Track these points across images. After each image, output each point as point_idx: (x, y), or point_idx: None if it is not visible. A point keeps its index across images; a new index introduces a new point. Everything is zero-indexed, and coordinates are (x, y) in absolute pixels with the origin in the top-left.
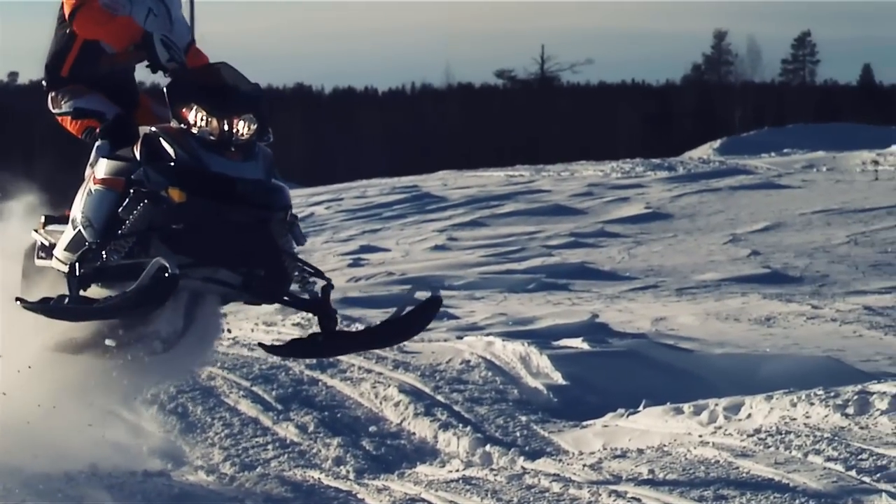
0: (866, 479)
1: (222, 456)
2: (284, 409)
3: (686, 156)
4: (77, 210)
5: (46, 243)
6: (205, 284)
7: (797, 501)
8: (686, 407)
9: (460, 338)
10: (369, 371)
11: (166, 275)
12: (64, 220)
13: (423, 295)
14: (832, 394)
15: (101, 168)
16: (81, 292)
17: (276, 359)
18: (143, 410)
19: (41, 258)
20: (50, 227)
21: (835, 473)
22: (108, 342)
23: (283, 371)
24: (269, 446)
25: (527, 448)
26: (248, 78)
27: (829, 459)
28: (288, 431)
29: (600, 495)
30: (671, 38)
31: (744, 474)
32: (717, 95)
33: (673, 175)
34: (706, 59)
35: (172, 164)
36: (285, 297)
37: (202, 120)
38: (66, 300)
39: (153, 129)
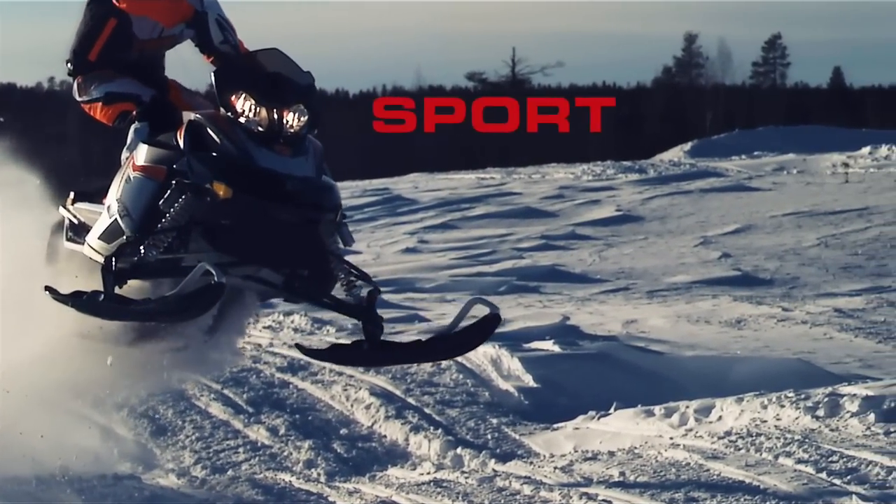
0: (837, 481)
1: (193, 459)
2: (255, 412)
3: (657, 158)
4: (113, 197)
5: (76, 221)
6: (244, 282)
7: (767, 503)
8: (657, 409)
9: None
10: (340, 374)
11: (212, 282)
12: (94, 196)
13: (478, 307)
14: (803, 396)
15: (141, 154)
16: (117, 289)
17: (246, 361)
18: (114, 413)
19: (71, 240)
20: (79, 205)
21: (805, 475)
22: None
23: (253, 374)
24: (240, 449)
25: (498, 450)
26: (300, 65)
27: (799, 461)
28: (259, 434)
29: (571, 497)
30: (642, 40)
31: (714, 476)
32: (688, 98)
33: (644, 177)
34: (677, 62)
35: (218, 155)
36: (326, 300)
37: (250, 109)
38: (102, 297)
39: (198, 115)
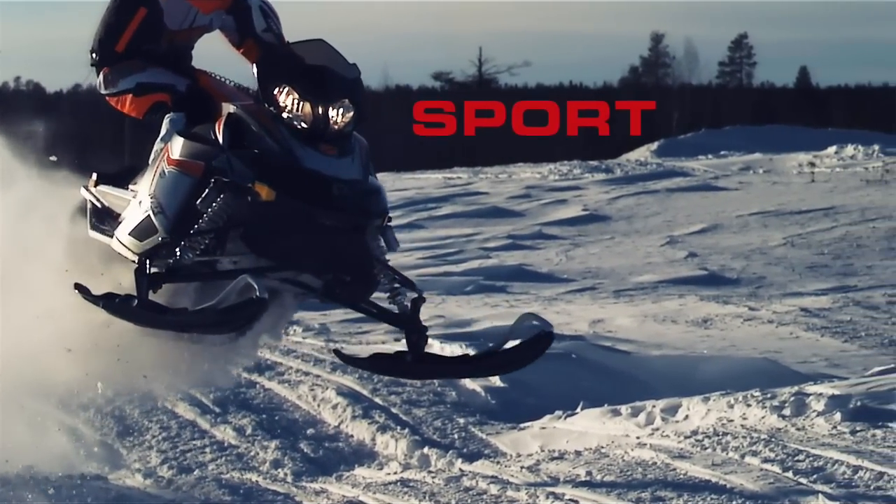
0: (803, 481)
1: (159, 459)
2: (222, 412)
3: (623, 158)
4: (146, 192)
5: (99, 205)
6: (282, 284)
7: (734, 503)
8: (623, 409)
9: (398, 340)
10: (307, 374)
11: (254, 297)
12: (118, 179)
13: (530, 324)
14: (769, 395)
15: (177, 147)
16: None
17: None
18: (80, 413)
19: (96, 228)
20: (103, 188)
21: (772, 474)
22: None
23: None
24: (207, 449)
25: (465, 450)
26: (345, 57)
27: (765, 461)
28: (226, 434)
29: (538, 497)
30: (608, 40)
31: (681, 476)
32: (655, 97)
33: (610, 177)
34: (643, 62)
35: (260, 154)
36: (366, 306)
37: (293, 104)
38: (135, 303)
39: (238, 108)
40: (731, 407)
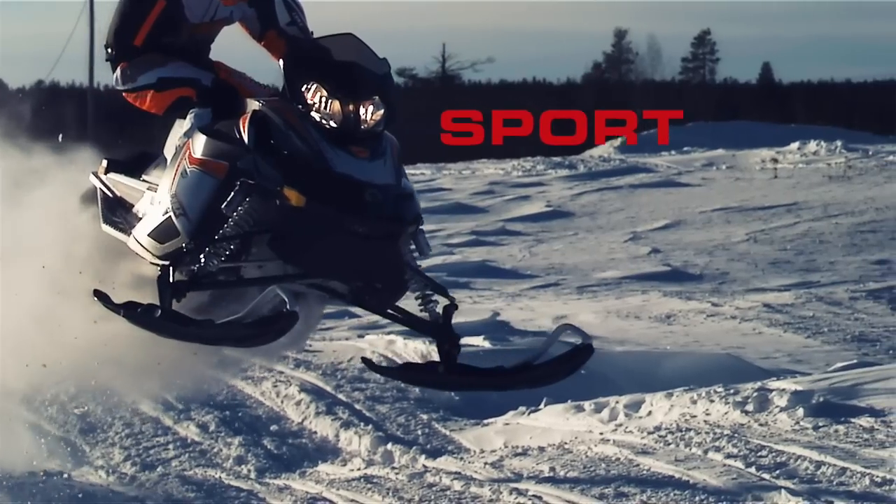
0: (766, 476)
1: (123, 456)
2: (185, 409)
3: (586, 154)
4: (166, 191)
5: (110, 195)
6: (308, 289)
7: (697, 498)
8: (587, 405)
9: (361, 336)
10: (270, 370)
11: (284, 310)
12: (130, 167)
13: (566, 333)
14: (732, 391)
15: (199, 145)
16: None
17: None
18: (43, 410)
19: (110, 223)
20: (114, 177)
21: (734, 470)
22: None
23: None
24: (170, 446)
25: (428, 446)
26: (375, 52)
27: (728, 456)
28: (189, 431)
29: (501, 493)
30: (571, 36)
31: (644, 472)
32: (618, 94)
33: (574, 173)
34: (607, 58)
35: (290, 157)
36: (394, 312)
37: (322, 102)
38: (158, 313)
39: (263, 105)
40: (695, 403)
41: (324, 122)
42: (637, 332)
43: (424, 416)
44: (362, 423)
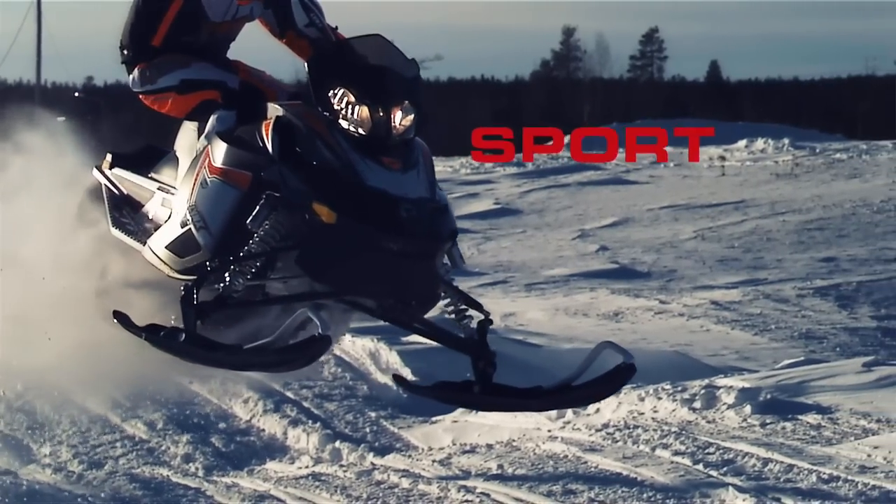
0: (713, 473)
1: (70, 454)
2: (133, 407)
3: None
4: (185, 201)
5: (116, 192)
6: (335, 303)
7: (645, 495)
8: None
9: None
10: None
11: (316, 335)
12: (135, 162)
13: (605, 352)
14: (679, 388)
15: (220, 153)
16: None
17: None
18: None
19: (119, 225)
20: (119, 172)
21: (682, 467)
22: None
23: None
24: (118, 444)
25: (376, 444)
26: (403, 53)
27: (676, 453)
28: (136, 429)
29: (449, 490)
30: (520, 34)
31: (592, 469)
32: (566, 91)
33: (522, 171)
34: (555, 56)
35: (319, 170)
36: (424, 328)
37: (350, 108)
38: (183, 337)
39: (287, 112)
40: (642, 400)
41: (352, 129)
42: (585, 330)
43: (373, 414)
44: (310, 421)
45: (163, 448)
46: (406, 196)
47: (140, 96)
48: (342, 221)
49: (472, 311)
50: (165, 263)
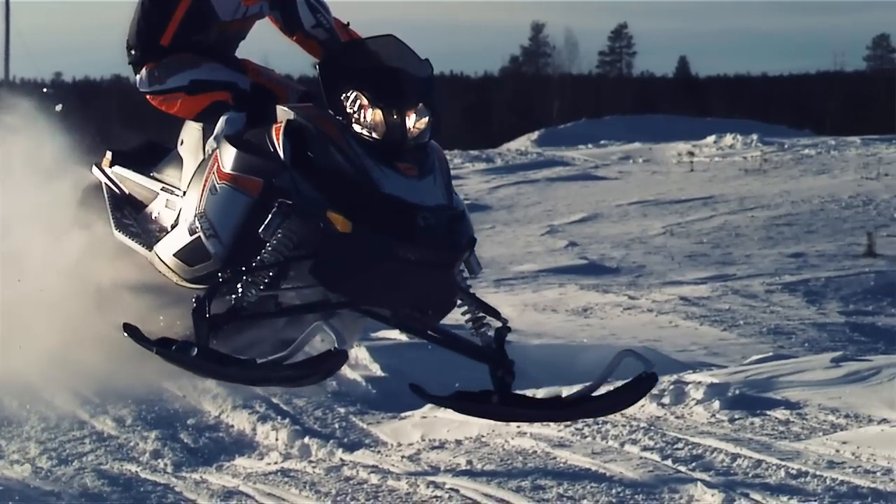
0: (682, 468)
1: (39, 450)
2: (101, 403)
3: (504, 147)
4: (193, 208)
5: (117, 192)
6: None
7: (614, 491)
8: None
9: None
10: None
11: (332, 349)
12: (136, 159)
13: (626, 360)
14: None
15: (229, 158)
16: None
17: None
18: None
19: (122, 227)
20: (119, 170)
21: (651, 463)
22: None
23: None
24: (87, 440)
25: (345, 440)
26: (417, 53)
27: (645, 449)
28: (105, 425)
29: (418, 486)
30: (489, 30)
31: (561, 464)
32: (536, 87)
33: (491, 166)
34: (524, 52)
35: (333, 177)
36: (440, 336)
37: (363, 112)
38: (195, 352)
39: (298, 115)
40: None
41: (365, 134)
42: (554, 326)
43: (342, 410)
44: (279, 417)
45: (131, 444)
46: (423, 203)
47: (147, 97)
48: (358, 231)
49: (489, 319)
50: (174, 272)
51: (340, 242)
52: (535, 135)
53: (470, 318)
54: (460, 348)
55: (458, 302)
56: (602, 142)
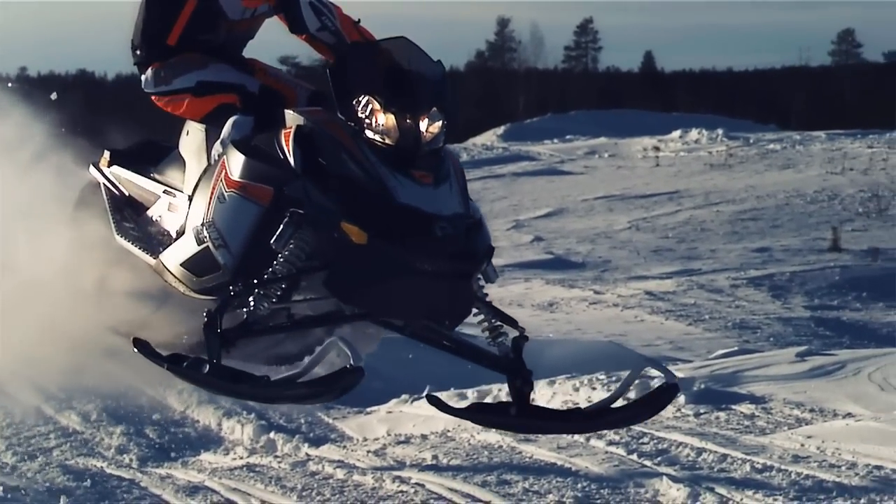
0: (647, 463)
1: (3, 445)
2: (67, 398)
3: (470, 142)
4: (200, 216)
5: (117, 193)
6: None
7: (579, 485)
8: (469, 392)
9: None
10: None
11: (348, 366)
12: (134, 159)
13: (643, 370)
14: (614, 378)
15: (237, 165)
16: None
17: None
18: None
19: (123, 232)
20: (118, 171)
21: (616, 457)
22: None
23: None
24: (52, 435)
25: (311, 435)
26: (429, 56)
27: (610, 443)
28: (70, 420)
29: (384, 481)
30: (454, 25)
31: (526, 459)
32: (501, 82)
33: None
34: (490, 46)
35: (347, 187)
36: (449, 344)
37: (375, 117)
38: (207, 368)
39: (308, 120)
40: (577, 390)
41: (378, 140)
42: (520, 320)
43: (307, 405)
44: (245, 412)
45: (97, 439)
46: (440, 213)
47: (153, 97)
48: (373, 242)
49: (506, 328)
50: (181, 282)
51: (355, 254)
52: (500, 129)
53: (487, 328)
54: (476, 358)
55: (474, 311)
56: (568, 136)
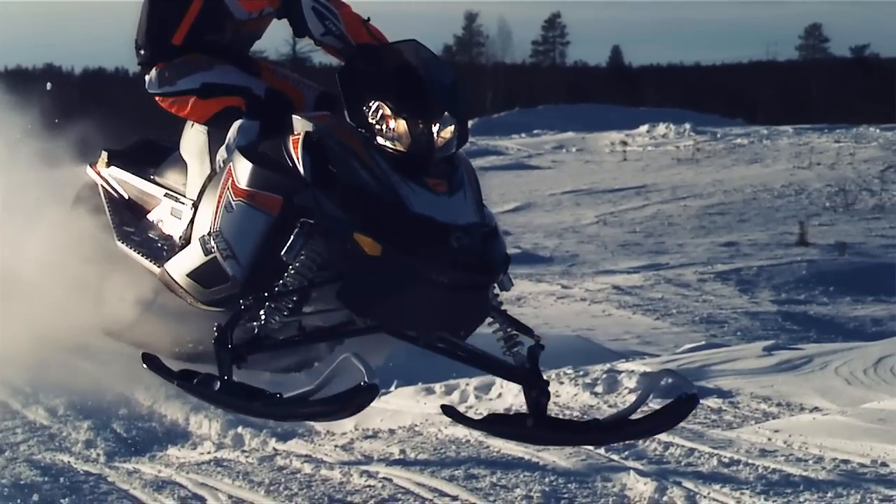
0: (615, 457)
1: None
2: (33, 392)
3: None
4: (206, 226)
5: (115, 195)
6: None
7: (547, 480)
8: (437, 387)
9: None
10: (120, 353)
11: (362, 384)
12: (133, 159)
13: (661, 379)
14: (581, 373)
15: (244, 173)
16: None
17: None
18: None
19: (125, 238)
20: (116, 172)
21: (584, 452)
22: None
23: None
24: (18, 430)
25: (278, 429)
26: (440, 58)
27: None
28: (37, 415)
29: (352, 475)
30: (421, 19)
31: (494, 453)
32: (469, 77)
33: None
34: (457, 41)
35: (356, 192)
36: (463, 354)
37: (386, 123)
38: (218, 385)
39: (316, 126)
40: None
41: (389, 146)
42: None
43: None
44: (212, 407)
45: (64, 434)
46: (455, 222)
47: (157, 98)
48: (387, 254)
49: (521, 337)
50: (188, 293)
51: (369, 266)
52: (468, 124)
53: (502, 337)
54: (492, 369)
55: (489, 320)
56: (535, 131)
